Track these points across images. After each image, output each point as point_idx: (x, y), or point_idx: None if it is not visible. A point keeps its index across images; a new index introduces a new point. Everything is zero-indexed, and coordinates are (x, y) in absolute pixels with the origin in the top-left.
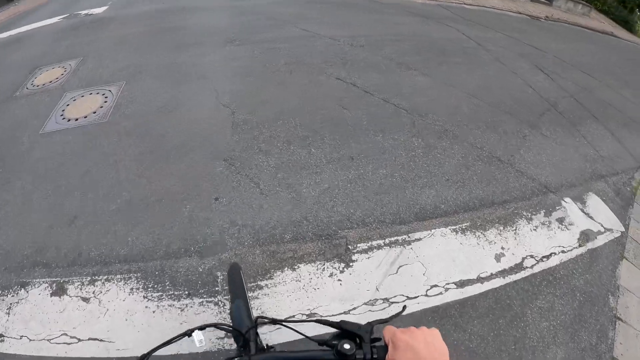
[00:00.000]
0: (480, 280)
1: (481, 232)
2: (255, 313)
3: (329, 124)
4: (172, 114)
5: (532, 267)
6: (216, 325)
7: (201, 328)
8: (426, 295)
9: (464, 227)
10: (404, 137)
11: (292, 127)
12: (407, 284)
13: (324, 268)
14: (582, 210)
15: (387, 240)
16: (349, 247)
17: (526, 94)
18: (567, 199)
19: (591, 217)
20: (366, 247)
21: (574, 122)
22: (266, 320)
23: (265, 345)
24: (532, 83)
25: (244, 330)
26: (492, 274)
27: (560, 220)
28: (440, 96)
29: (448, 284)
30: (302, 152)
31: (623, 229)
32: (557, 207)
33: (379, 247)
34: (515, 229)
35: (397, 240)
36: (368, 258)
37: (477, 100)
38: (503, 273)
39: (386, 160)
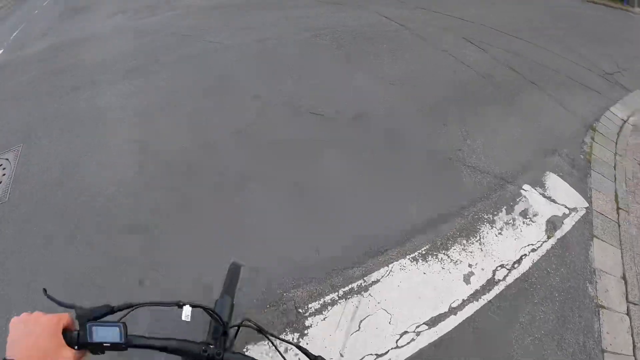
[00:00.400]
0: (452, 311)
1: (444, 253)
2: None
3: (246, 160)
4: (71, 182)
5: (504, 278)
6: (206, 309)
7: (193, 305)
8: (397, 347)
9: (423, 253)
10: (338, 157)
11: (208, 178)
12: (373, 339)
13: (276, 344)
14: (544, 195)
15: (340, 292)
16: (300, 310)
17: (460, 72)
18: (526, 186)
19: (554, 201)
20: (319, 305)
21: (514, 93)
22: (253, 326)
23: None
24: (463, 59)
25: (228, 326)
26: (464, 300)
27: (524, 214)
28: (369, 94)
29: (419, 326)
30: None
31: (587, 204)
32: (517, 199)
33: (333, 302)
34: (480, 239)
35: (352, 288)
36: (324, 319)
37: (410, 90)
38: (475, 295)
39: (324, 190)
